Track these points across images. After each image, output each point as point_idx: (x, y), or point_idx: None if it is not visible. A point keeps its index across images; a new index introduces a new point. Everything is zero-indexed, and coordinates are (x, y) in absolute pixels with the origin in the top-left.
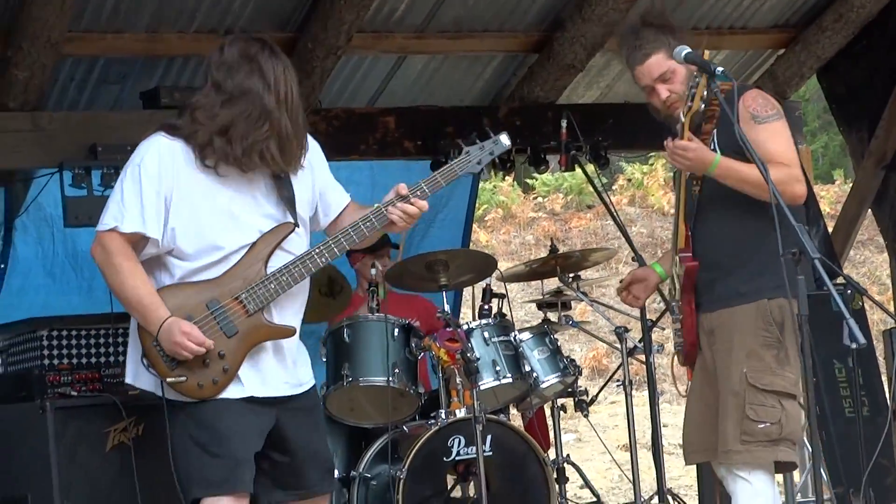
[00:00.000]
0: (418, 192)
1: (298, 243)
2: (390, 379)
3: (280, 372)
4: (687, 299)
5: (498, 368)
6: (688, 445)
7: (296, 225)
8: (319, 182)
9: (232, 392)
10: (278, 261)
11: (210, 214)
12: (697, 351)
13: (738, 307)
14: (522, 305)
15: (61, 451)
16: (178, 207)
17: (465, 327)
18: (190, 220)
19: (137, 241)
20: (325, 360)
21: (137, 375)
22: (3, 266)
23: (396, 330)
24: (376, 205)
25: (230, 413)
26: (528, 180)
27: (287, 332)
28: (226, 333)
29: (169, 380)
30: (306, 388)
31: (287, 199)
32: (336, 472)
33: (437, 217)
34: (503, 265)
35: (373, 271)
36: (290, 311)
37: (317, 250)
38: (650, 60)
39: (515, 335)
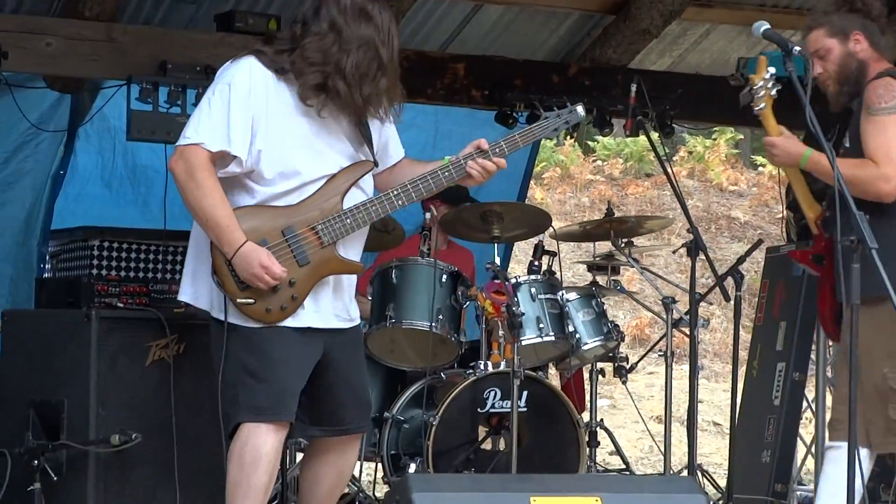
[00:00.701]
0: (497, 150)
1: (370, 184)
2: (433, 324)
3: (335, 304)
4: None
5: (541, 326)
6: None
7: (375, 164)
8: (385, 129)
9: (290, 320)
10: (353, 198)
11: (294, 141)
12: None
13: (879, 306)
14: (572, 266)
15: (101, 361)
16: (263, 130)
17: (513, 281)
18: (274, 144)
19: (219, 160)
20: (370, 298)
21: (197, 294)
22: (62, 172)
23: (444, 276)
24: (455, 156)
25: (284, 341)
26: (590, 142)
27: (356, 267)
28: (298, 262)
29: (238, 300)
30: (355, 324)
31: (367, 139)
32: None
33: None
34: (556, 224)
35: (427, 215)
36: (353, 249)
37: (395, 192)
38: (811, 34)
39: (562, 294)
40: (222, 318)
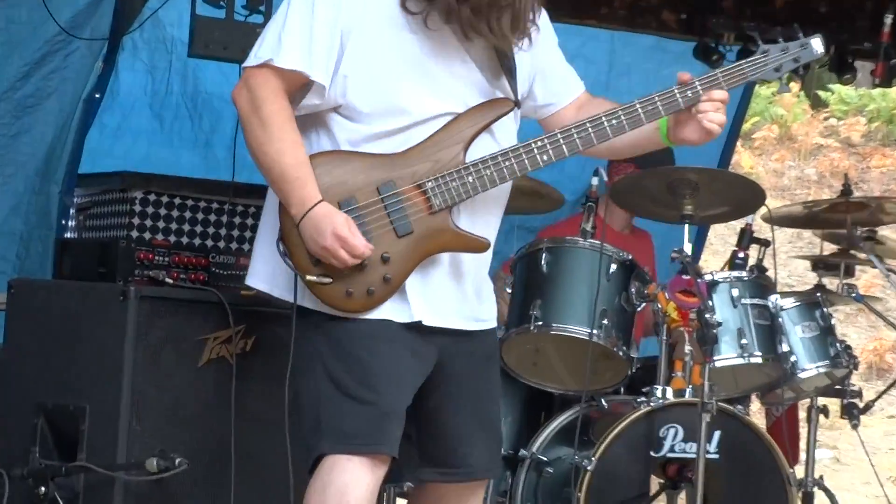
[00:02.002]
0: (689, 93)
1: (509, 131)
2: (595, 332)
3: (456, 298)
4: None
5: (744, 341)
6: None
7: (516, 104)
8: (542, 58)
9: (390, 312)
10: (481, 149)
11: (399, 67)
12: None
13: None
14: (788, 262)
15: (140, 355)
16: (357, 50)
17: (709, 277)
18: (371, 69)
19: (296, 88)
20: (509, 291)
21: (275, 277)
22: (98, 96)
23: (614, 266)
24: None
25: (384, 342)
26: (821, 92)
27: (479, 244)
28: (396, 231)
29: (309, 277)
30: (487, 327)
31: (509, 70)
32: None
33: None
34: (771, 203)
35: (594, 181)
36: (483, 220)
37: (540, 143)
38: None
39: (775, 300)
40: (302, 303)
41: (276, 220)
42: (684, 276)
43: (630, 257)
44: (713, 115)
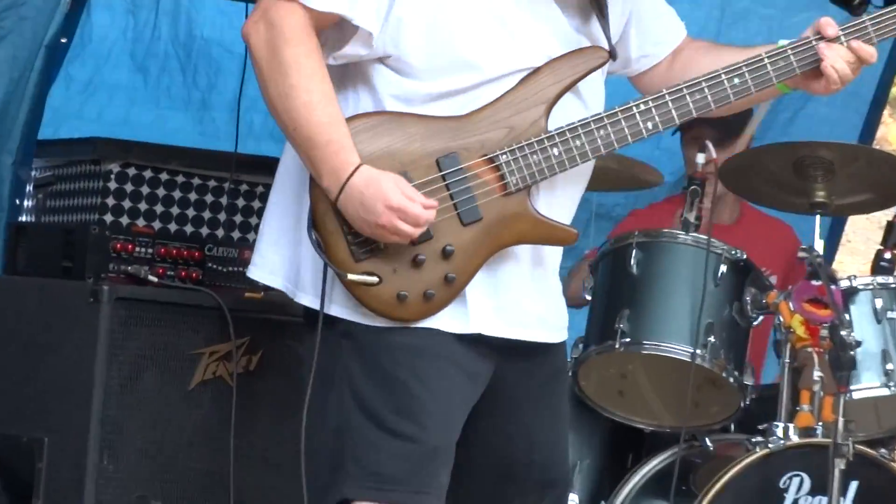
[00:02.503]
0: (858, 33)
1: (598, 91)
2: (699, 351)
3: (532, 303)
4: None
5: (890, 367)
6: None
7: (611, 56)
8: (641, 3)
9: (442, 320)
10: (566, 112)
11: (465, 11)
12: None
13: None
14: None
15: (114, 374)
16: None
17: (845, 284)
18: (430, 13)
19: (331, 33)
20: (587, 297)
21: (286, 269)
22: (64, 41)
23: (723, 268)
24: (790, 41)
25: (432, 359)
26: None
27: (566, 235)
28: (461, 218)
29: (351, 276)
30: (560, 340)
31: (598, 7)
32: (574, 498)
33: None
34: None
35: (700, 158)
36: (561, 204)
37: (643, 106)
38: None
39: None
40: (316, 305)
41: (296, 198)
42: (814, 282)
43: (745, 256)
44: (840, 64)
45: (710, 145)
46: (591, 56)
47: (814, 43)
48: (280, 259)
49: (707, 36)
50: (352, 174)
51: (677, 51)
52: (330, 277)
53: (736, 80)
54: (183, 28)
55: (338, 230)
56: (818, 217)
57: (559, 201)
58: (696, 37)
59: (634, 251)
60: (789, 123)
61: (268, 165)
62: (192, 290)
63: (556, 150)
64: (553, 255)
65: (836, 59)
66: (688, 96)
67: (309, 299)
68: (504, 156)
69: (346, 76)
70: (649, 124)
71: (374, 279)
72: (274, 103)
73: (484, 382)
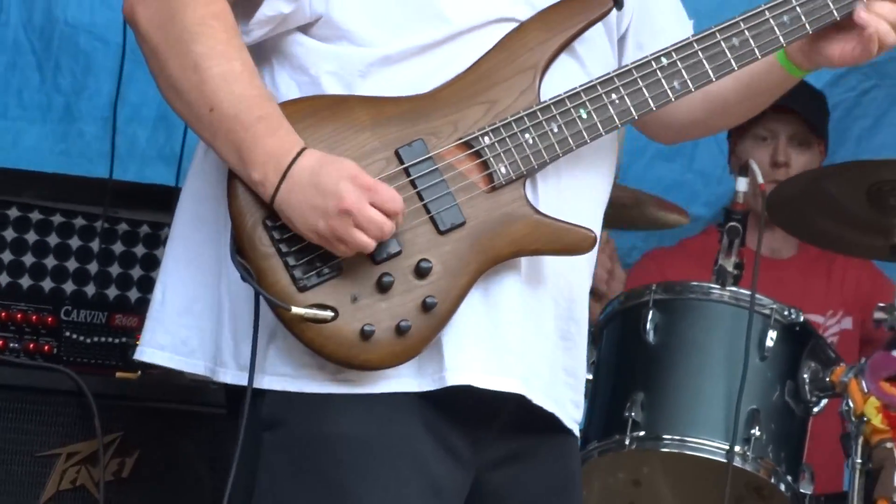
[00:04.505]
0: None
1: (603, 52)
2: (739, 449)
3: (538, 343)
4: None
5: None
6: None
7: (616, 4)
8: None
9: (409, 376)
10: (564, 77)
11: None
12: None
13: None
14: None
15: None
16: None
17: None
18: None
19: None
20: (588, 376)
21: (219, 346)
22: None
23: (773, 334)
24: None
25: (383, 454)
26: None
27: (580, 239)
28: (436, 223)
29: (297, 310)
30: (573, 426)
31: None
32: None
33: None
34: None
35: (741, 185)
36: (578, 199)
37: (666, 59)
38: None
39: None
40: (241, 379)
41: (216, 236)
42: (894, 354)
43: (802, 319)
44: (883, 24)
45: (755, 167)
46: (590, 4)
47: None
48: (192, 332)
49: (707, 22)
50: (297, 156)
51: None
52: (265, 333)
53: (785, 18)
54: (39, 11)
55: (272, 251)
56: None
57: (569, 195)
58: (694, 27)
59: (651, 313)
60: (868, 135)
61: (155, 196)
62: (43, 369)
63: (554, 126)
64: (563, 270)
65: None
66: (723, 42)
67: (231, 374)
68: (486, 138)
69: (261, 58)
70: (675, 83)
71: (328, 313)
72: (178, 82)
73: (463, 490)
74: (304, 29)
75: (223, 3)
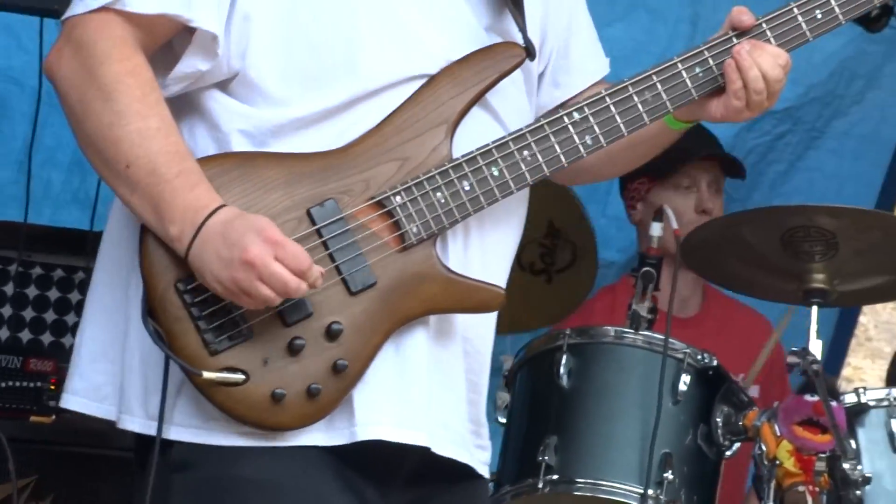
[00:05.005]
0: (778, 24)
1: (517, 103)
2: (651, 492)
3: (447, 397)
4: None
5: None
6: None
7: (528, 54)
8: (561, 10)
9: (320, 432)
10: (477, 133)
11: (336, 6)
12: None
13: None
14: None
15: None
16: None
17: (851, 400)
18: (286, 5)
19: (158, 44)
20: (502, 420)
21: (124, 392)
22: None
23: (686, 378)
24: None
25: (302, 484)
26: None
27: (489, 297)
28: (348, 285)
29: (208, 375)
30: (483, 470)
31: (516, 4)
32: None
33: (830, 126)
34: None
35: (655, 229)
36: (483, 257)
37: (577, 114)
38: None
39: None
40: (148, 429)
41: (129, 283)
42: (808, 398)
43: (715, 363)
44: (754, 75)
45: (669, 212)
46: (502, 56)
47: (734, 42)
48: (106, 378)
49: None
50: (214, 211)
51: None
52: (174, 384)
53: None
54: None
55: (184, 314)
56: (815, 309)
57: (479, 253)
58: (657, 60)
59: (565, 357)
60: (781, 180)
61: (70, 240)
62: None
63: (466, 184)
64: (472, 327)
65: (753, 64)
66: (635, 96)
67: (139, 423)
68: (397, 197)
69: (180, 111)
70: (587, 138)
71: (239, 376)
72: (95, 139)
73: None
74: (222, 85)
75: (140, 58)
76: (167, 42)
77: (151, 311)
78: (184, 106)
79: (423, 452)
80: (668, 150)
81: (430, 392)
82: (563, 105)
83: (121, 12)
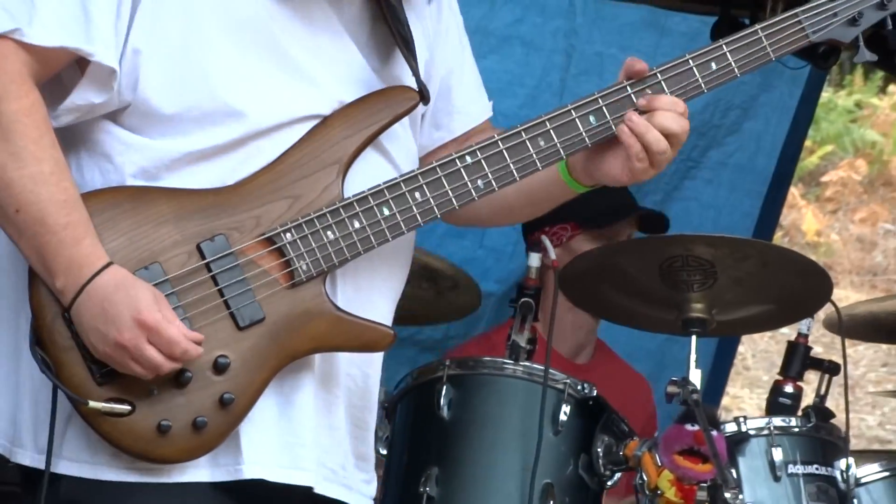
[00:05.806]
0: (672, 75)
1: (407, 146)
2: None
3: (330, 434)
4: None
5: None
6: None
7: (422, 98)
8: (445, 51)
9: (203, 468)
10: (367, 174)
11: (228, 38)
12: None
13: None
14: (878, 401)
15: None
16: (157, 8)
17: (731, 429)
18: (176, 43)
19: (52, 75)
20: (383, 451)
21: (15, 426)
22: None
23: (566, 408)
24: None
25: None
26: None
27: (377, 337)
28: (236, 319)
29: (94, 404)
30: (369, 501)
31: (406, 44)
32: None
33: (707, 156)
34: (848, 297)
35: (532, 260)
36: (371, 297)
37: (470, 157)
38: None
39: (849, 469)
40: (38, 463)
41: (16, 312)
42: (689, 427)
43: (594, 393)
44: (653, 137)
45: (547, 242)
46: (396, 99)
47: (628, 91)
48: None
49: (550, 91)
50: (99, 272)
51: (472, 135)
52: (63, 416)
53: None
54: None
55: (71, 344)
56: (694, 338)
57: (368, 293)
58: (538, 89)
59: (445, 388)
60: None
61: None
62: None
63: (356, 223)
64: (357, 366)
65: (649, 126)
66: (528, 142)
67: (29, 456)
68: (287, 234)
69: (68, 142)
70: (479, 182)
71: (125, 407)
72: None
73: None
74: (113, 116)
75: (35, 95)
76: (61, 71)
77: (39, 341)
78: (73, 136)
79: (307, 492)
80: (612, 203)
81: (316, 431)
82: (444, 147)
83: (16, 41)
